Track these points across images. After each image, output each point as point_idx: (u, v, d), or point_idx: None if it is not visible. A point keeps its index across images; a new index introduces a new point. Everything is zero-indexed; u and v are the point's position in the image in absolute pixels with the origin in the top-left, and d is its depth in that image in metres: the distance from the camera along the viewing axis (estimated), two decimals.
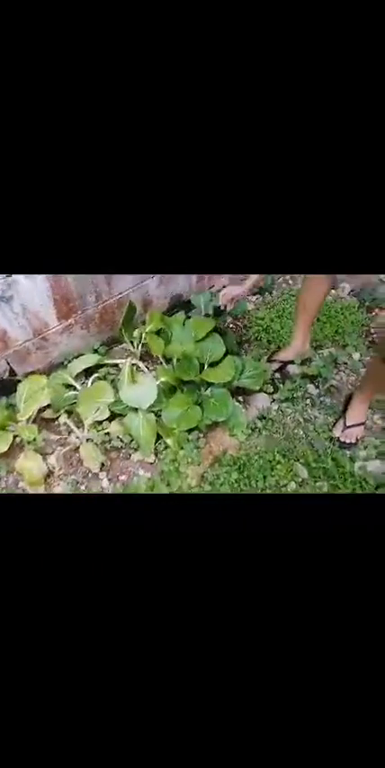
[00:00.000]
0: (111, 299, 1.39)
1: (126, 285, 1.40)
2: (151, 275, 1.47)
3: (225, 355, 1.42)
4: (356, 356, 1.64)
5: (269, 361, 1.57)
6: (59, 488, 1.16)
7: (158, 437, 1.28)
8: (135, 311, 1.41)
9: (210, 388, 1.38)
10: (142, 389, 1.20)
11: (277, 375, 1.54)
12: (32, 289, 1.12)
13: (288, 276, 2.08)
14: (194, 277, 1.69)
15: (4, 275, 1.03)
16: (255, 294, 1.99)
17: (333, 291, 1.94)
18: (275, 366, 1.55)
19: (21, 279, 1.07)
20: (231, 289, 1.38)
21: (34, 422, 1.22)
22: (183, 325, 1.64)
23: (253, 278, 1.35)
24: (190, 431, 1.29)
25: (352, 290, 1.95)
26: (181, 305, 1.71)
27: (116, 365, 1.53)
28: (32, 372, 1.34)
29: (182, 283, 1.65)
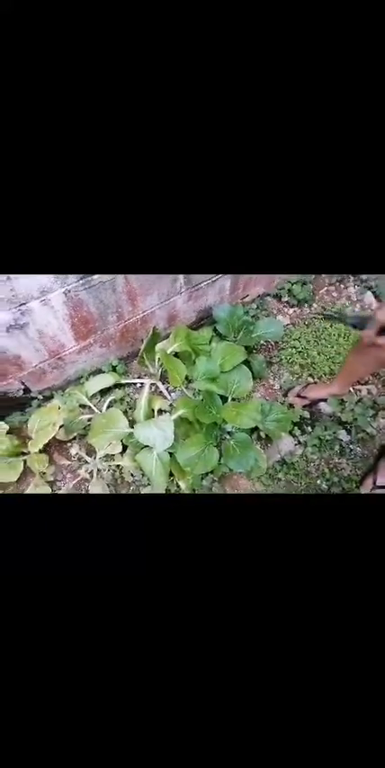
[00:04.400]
0: (133, 318, 1.28)
1: (152, 302, 1.28)
2: (178, 292, 1.33)
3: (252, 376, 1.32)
4: None
5: (298, 396, 1.43)
6: None
7: (171, 473, 1.22)
8: (159, 338, 1.30)
9: (231, 426, 1.28)
10: (158, 431, 1.12)
11: (306, 413, 1.41)
12: (49, 314, 1.03)
13: (331, 286, 1.87)
14: (227, 288, 1.53)
15: (20, 304, 0.94)
16: (292, 306, 1.81)
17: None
18: (305, 402, 1.42)
19: (35, 306, 0.98)
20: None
21: (46, 445, 1.18)
22: (210, 343, 1.52)
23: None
24: (205, 474, 1.21)
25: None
26: (209, 318, 1.58)
27: (134, 384, 1.45)
28: (47, 390, 1.29)
29: (212, 297, 1.50)
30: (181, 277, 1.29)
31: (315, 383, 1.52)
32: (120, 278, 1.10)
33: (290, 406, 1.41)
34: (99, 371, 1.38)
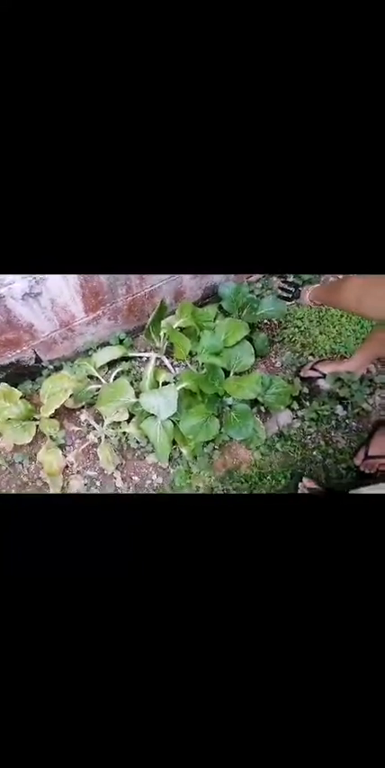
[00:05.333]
0: (141, 292, 1.33)
1: (159, 278, 1.33)
2: None
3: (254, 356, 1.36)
4: None
5: (313, 368, 1.46)
6: (75, 482, 1.22)
7: (174, 441, 1.29)
8: (165, 312, 1.34)
9: (231, 398, 1.34)
10: (163, 399, 1.18)
11: (305, 389, 1.46)
12: (62, 284, 1.08)
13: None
14: None
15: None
16: (296, 287, 1.84)
17: None
18: (318, 376, 1.44)
19: (50, 275, 1.03)
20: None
21: (57, 412, 1.25)
22: (215, 320, 1.56)
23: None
24: (206, 442, 1.28)
25: None
26: (215, 296, 1.62)
27: (140, 358, 1.50)
28: (57, 361, 1.35)
29: (218, 275, 1.54)
30: None
31: (329, 359, 1.54)
32: None
33: (303, 379, 1.45)
34: (107, 344, 1.44)
